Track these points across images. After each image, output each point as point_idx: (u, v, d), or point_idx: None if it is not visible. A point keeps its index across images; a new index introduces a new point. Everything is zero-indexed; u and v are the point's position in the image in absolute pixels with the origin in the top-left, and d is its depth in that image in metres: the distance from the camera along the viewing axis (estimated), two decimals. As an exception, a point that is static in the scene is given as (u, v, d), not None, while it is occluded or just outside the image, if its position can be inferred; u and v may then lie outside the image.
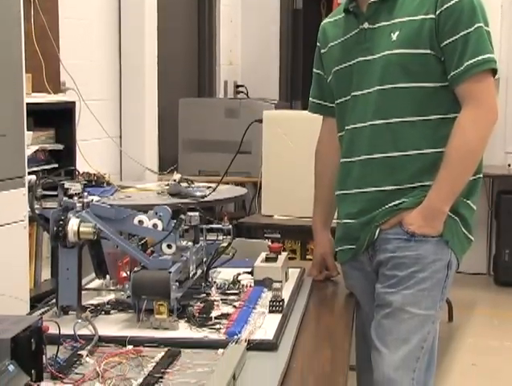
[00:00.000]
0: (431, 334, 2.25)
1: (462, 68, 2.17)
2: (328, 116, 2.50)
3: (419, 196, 2.22)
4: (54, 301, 2.02)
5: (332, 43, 2.41)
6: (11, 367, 1.38)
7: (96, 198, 2.06)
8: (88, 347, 1.75)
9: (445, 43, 2.18)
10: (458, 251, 2.26)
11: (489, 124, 2.21)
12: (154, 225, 2.03)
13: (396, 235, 2.23)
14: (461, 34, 2.16)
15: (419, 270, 2.21)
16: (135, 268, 1.97)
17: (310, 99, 2.56)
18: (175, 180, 4.11)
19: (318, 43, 2.49)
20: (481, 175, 2.31)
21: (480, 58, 2.16)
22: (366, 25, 2.28)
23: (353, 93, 2.31)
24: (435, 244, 2.22)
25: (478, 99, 2.19)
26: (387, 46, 2.22)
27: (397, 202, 2.23)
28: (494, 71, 2.20)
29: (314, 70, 2.53)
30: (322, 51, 2.46)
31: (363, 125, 2.27)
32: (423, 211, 2.20)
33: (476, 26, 2.16)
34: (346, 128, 2.32)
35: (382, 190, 2.24)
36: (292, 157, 3.67)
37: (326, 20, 2.49)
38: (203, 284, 2.19)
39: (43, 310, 2.05)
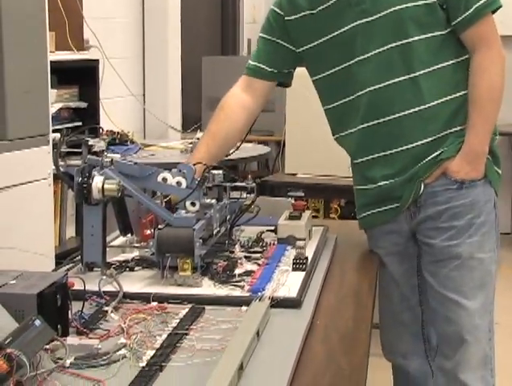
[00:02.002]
0: (495, 273, 2.30)
1: (471, 11, 2.17)
2: (261, 79, 2.42)
3: (455, 143, 2.21)
4: (79, 258, 2.04)
5: (308, 12, 2.28)
6: (38, 322, 1.39)
7: (119, 155, 2.06)
8: (113, 304, 1.76)
9: None
10: (497, 189, 2.31)
11: (503, 62, 2.23)
12: (178, 183, 2.03)
13: (444, 186, 2.23)
14: None
15: (476, 216, 2.24)
16: (159, 226, 1.98)
17: (250, 62, 2.44)
18: (198, 138, 4.10)
19: (278, 10, 2.36)
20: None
21: None
22: None
23: (358, 58, 2.23)
24: (482, 186, 2.25)
25: (489, 39, 2.21)
26: (393, 2, 2.18)
27: (436, 153, 2.22)
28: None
29: (264, 35, 2.41)
30: (287, 18, 2.33)
31: (384, 84, 2.22)
32: (466, 157, 2.20)
33: None
34: (359, 93, 2.26)
35: (418, 145, 2.22)
36: (316, 115, 3.65)
37: None
38: (226, 242, 2.19)
39: (68, 266, 2.06)
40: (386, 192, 2.30)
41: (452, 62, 2.23)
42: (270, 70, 2.40)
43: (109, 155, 2.04)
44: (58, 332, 1.51)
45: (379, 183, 2.30)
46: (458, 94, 2.23)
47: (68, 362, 1.44)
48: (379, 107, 2.25)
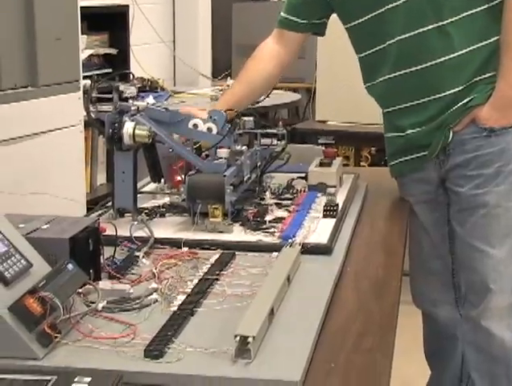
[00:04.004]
0: None
1: None
2: (293, 31, 2.41)
3: (486, 90, 2.17)
4: (110, 203, 2.05)
5: None
6: (70, 266, 1.40)
7: (150, 101, 2.05)
8: (144, 249, 1.77)
9: None
10: None
11: None
12: (209, 129, 2.03)
13: (473, 134, 2.20)
14: None
15: (505, 164, 2.19)
16: (190, 172, 1.98)
17: (281, 14, 2.44)
18: (228, 85, 4.08)
19: None
20: None
21: None
22: None
23: (388, 6, 2.18)
24: None
25: None
26: None
27: (465, 100, 2.18)
28: None
29: None
30: None
31: (414, 33, 2.18)
32: (496, 103, 2.16)
33: None
34: (389, 42, 2.22)
35: (448, 94, 2.19)
36: (347, 62, 3.61)
37: None
38: (257, 188, 2.19)
39: (99, 212, 2.07)
40: (415, 140, 2.28)
41: (484, 7, 2.17)
42: (301, 22, 2.38)
43: (141, 102, 2.03)
44: (90, 276, 1.52)
45: (407, 132, 2.28)
46: (490, 40, 2.18)
47: (100, 306, 1.45)
48: (409, 56, 2.22)
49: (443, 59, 2.17)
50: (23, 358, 1.27)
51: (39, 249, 1.44)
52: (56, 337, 1.31)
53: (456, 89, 2.18)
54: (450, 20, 2.15)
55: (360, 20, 2.26)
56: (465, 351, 2.37)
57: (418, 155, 2.29)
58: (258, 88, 2.43)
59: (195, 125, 2.02)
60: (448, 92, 2.18)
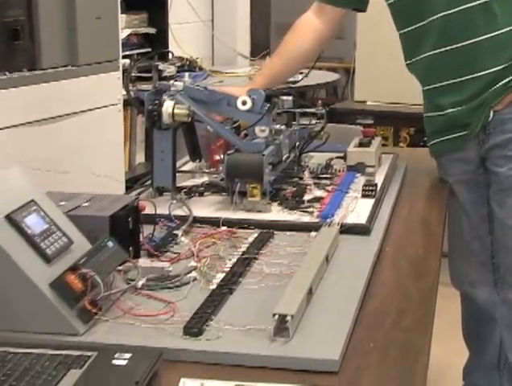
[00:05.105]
0: None
1: None
2: (334, 6, 2.38)
3: None
4: (149, 182, 2.06)
5: None
6: (110, 244, 1.42)
7: (190, 80, 2.06)
8: (183, 227, 1.78)
9: None
10: None
11: None
12: (248, 108, 2.02)
13: None
14: None
15: None
16: (229, 151, 1.98)
17: None
18: (266, 65, 4.07)
19: None
20: None
21: None
22: None
23: None
24: None
25: None
26: None
27: (507, 79, 2.15)
28: None
29: None
30: None
31: (458, 9, 2.16)
32: None
33: None
34: (432, 18, 2.20)
35: (490, 72, 2.16)
36: (386, 41, 3.58)
37: None
38: (295, 168, 2.18)
39: (138, 190, 2.09)
40: (455, 119, 2.25)
41: None
42: None
43: (179, 80, 2.04)
44: (130, 254, 1.53)
45: (447, 111, 2.25)
46: None
47: (139, 283, 1.47)
48: (451, 33, 2.19)
49: (485, 36, 2.14)
50: (64, 334, 1.28)
51: (80, 227, 1.46)
52: (97, 313, 1.32)
53: (497, 68, 2.15)
54: None
55: None
56: (502, 333, 2.36)
57: (458, 134, 2.26)
58: (296, 62, 2.42)
59: (243, 102, 2.01)
60: (488, 71, 2.16)
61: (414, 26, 2.25)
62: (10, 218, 1.32)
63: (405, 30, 2.29)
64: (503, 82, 2.15)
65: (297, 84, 3.84)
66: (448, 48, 2.19)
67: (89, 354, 1.20)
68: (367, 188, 2.01)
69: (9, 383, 1.12)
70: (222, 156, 2.05)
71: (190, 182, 2.14)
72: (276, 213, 1.90)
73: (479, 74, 2.17)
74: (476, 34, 2.15)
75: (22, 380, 1.13)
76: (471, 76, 2.17)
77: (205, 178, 2.16)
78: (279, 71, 2.36)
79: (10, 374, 1.15)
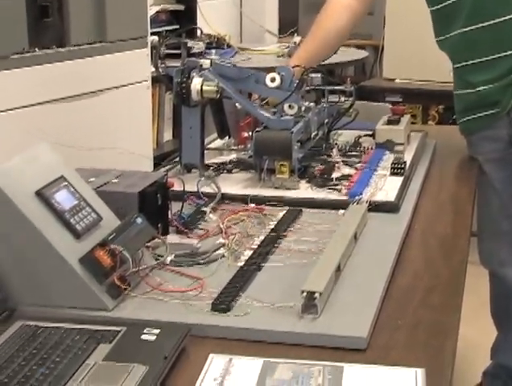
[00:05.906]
0: None
1: None
2: None
3: None
4: (177, 159, 2.06)
5: None
6: (139, 220, 1.42)
7: (218, 57, 2.05)
8: (212, 204, 1.78)
9: None
10: None
11: None
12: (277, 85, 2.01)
13: None
14: None
15: None
16: (257, 128, 1.98)
17: None
18: (295, 42, 4.05)
19: None
20: None
21: None
22: None
23: None
24: None
25: None
26: None
27: None
28: None
29: None
30: None
31: None
32: None
33: None
34: None
35: None
36: (416, 19, 3.55)
37: None
38: (324, 145, 2.18)
39: (167, 167, 2.09)
40: (485, 97, 2.23)
41: None
42: None
43: (207, 57, 2.03)
44: (158, 230, 1.54)
45: (478, 88, 2.23)
46: None
47: (168, 259, 1.47)
48: (484, 9, 2.17)
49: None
50: (93, 309, 1.29)
51: (109, 203, 1.46)
52: (126, 289, 1.33)
53: None
54: None
55: None
56: (531, 312, 2.35)
57: (488, 112, 2.24)
58: (332, 42, 2.39)
59: (272, 79, 2.00)
60: None
61: (446, 3, 2.23)
62: (40, 194, 1.33)
63: (437, 7, 2.27)
64: None
65: (325, 62, 3.82)
66: (480, 26, 2.16)
67: (118, 329, 1.21)
68: (396, 166, 2.00)
69: (40, 356, 1.14)
70: (250, 133, 2.05)
71: (218, 160, 2.14)
72: (304, 190, 1.90)
73: (510, 52, 2.15)
74: (508, 11, 2.13)
75: (52, 354, 1.14)
76: (504, 54, 2.15)
77: (233, 156, 2.16)
78: (316, 53, 2.33)
79: (40, 348, 1.16)
